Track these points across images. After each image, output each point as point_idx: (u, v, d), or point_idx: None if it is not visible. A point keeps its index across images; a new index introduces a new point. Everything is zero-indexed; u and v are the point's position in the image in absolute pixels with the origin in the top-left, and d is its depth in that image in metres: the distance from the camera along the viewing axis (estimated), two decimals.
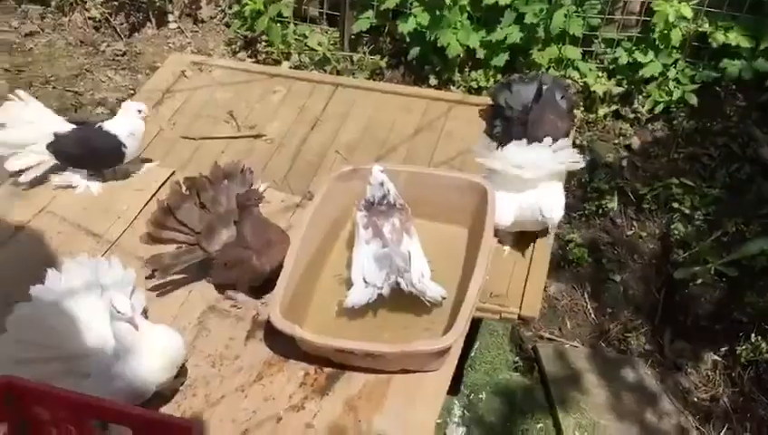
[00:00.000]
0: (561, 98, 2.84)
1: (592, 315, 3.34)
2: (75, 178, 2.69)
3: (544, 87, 2.79)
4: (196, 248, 2.26)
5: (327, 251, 2.36)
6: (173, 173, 2.78)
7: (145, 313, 2.16)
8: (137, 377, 1.81)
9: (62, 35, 4.04)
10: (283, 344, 2.08)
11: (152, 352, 1.83)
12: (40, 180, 2.66)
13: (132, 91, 3.64)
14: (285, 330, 1.97)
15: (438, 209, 2.41)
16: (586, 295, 3.37)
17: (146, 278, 2.26)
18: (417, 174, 2.45)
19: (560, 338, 3.25)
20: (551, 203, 2.36)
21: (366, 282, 2.15)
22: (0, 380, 1.62)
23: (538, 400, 2.98)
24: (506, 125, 2.90)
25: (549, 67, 3.58)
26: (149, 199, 2.67)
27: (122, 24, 4.14)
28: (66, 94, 3.68)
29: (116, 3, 4.19)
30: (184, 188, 2.32)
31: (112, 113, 3.50)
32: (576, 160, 2.46)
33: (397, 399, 1.95)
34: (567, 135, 2.83)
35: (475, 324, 2.74)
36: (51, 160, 2.61)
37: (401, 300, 2.16)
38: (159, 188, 2.71)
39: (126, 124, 2.64)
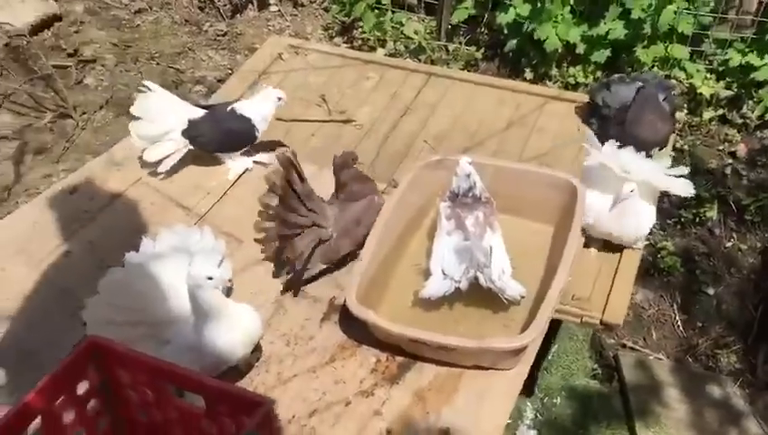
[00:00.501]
0: (664, 99, 2.71)
1: (680, 328, 3.19)
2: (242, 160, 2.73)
3: (646, 85, 2.68)
4: (312, 229, 2.21)
5: (408, 239, 2.35)
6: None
7: (230, 284, 2.22)
8: (215, 349, 1.85)
9: (168, 14, 4.18)
10: (357, 329, 2.08)
11: (232, 327, 1.87)
12: (175, 169, 2.68)
13: (230, 71, 3.72)
14: (360, 315, 1.96)
15: (525, 205, 2.35)
16: (675, 307, 3.22)
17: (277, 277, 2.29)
18: (504, 168, 2.39)
19: (643, 348, 3.12)
20: (637, 222, 2.27)
21: (444, 274, 2.12)
22: (87, 340, 1.69)
23: (615, 409, 2.87)
24: (602, 124, 2.81)
25: (653, 66, 3.42)
26: (237, 178, 2.73)
27: (225, 5, 4.24)
28: (168, 71, 3.81)
29: None
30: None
31: (210, 91, 3.60)
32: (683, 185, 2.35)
33: (467, 394, 1.92)
34: (667, 138, 2.71)
35: (554, 327, 2.66)
36: (186, 147, 2.64)
37: (479, 294, 2.12)
38: (247, 168, 2.76)
39: (260, 108, 2.66)
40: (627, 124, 2.59)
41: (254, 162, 2.74)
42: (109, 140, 3.30)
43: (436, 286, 2.11)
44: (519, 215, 2.35)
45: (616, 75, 3.04)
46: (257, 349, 2.07)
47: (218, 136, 2.64)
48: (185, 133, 2.60)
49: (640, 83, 2.73)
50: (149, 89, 2.65)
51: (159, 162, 2.63)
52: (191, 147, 2.63)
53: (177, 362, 1.86)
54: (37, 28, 3.91)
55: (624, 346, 3.13)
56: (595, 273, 2.33)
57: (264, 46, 3.62)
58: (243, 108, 2.65)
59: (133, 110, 2.61)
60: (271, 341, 2.12)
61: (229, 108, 2.66)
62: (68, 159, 3.28)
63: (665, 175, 2.35)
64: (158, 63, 3.84)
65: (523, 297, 2.09)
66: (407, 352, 2.03)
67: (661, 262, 3.24)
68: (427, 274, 2.17)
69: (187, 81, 3.75)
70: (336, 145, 2.98)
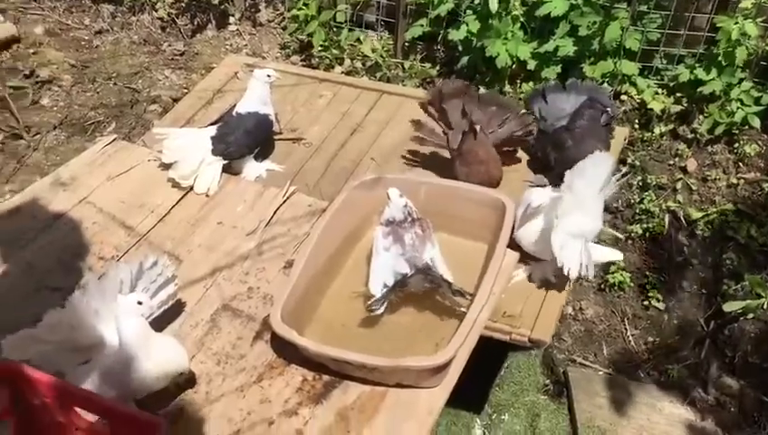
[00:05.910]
0: (602, 113, 2.69)
1: (632, 343, 3.19)
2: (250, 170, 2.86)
3: (582, 95, 2.68)
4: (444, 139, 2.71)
5: (341, 259, 2.33)
6: None
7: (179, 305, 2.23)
8: (133, 379, 1.84)
9: (128, 34, 4.19)
10: (286, 349, 2.07)
11: (152, 360, 1.85)
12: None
13: (186, 90, 3.74)
14: (283, 334, 1.96)
15: (459, 223, 2.35)
16: (626, 322, 3.22)
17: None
18: (438, 186, 2.40)
19: (593, 364, 3.12)
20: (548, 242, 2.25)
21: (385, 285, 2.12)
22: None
23: (562, 425, 2.87)
24: (540, 138, 2.78)
25: (603, 81, 3.44)
26: (182, 196, 2.73)
27: (186, 24, 4.25)
28: (125, 90, 3.82)
29: (183, 4, 4.31)
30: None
31: (165, 111, 3.61)
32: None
33: (389, 413, 1.91)
34: None
35: (504, 344, 2.66)
36: (221, 163, 2.73)
37: (413, 313, 2.13)
38: (192, 187, 2.76)
39: (258, 96, 2.84)
40: (567, 150, 2.56)
41: (267, 170, 2.90)
42: (60, 160, 3.30)
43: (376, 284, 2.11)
44: (453, 233, 2.34)
45: (552, 82, 3.03)
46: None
47: (244, 139, 2.78)
48: (215, 152, 2.72)
49: (582, 95, 2.71)
50: (163, 134, 2.76)
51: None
52: (225, 161, 2.74)
53: (94, 382, 1.87)
54: None
55: (574, 362, 3.13)
56: (527, 290, 2.34)
57: (221, 65, 3.64)
58: (246, 105, 2.82)
59: (165, 158, 2.71)
60: (202, 360, 2.12)
61: (235, 112, 2.83)
62: (17, 180, 3.28)
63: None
64: (114, 83, 3.85)
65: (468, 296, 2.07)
66: (333, 371, 2.02)
67: (611, 277, 3.24)
68: (366, 295, 2.16)
69: (142, 100, 3.75)
70: (284, 163, 3.00)
